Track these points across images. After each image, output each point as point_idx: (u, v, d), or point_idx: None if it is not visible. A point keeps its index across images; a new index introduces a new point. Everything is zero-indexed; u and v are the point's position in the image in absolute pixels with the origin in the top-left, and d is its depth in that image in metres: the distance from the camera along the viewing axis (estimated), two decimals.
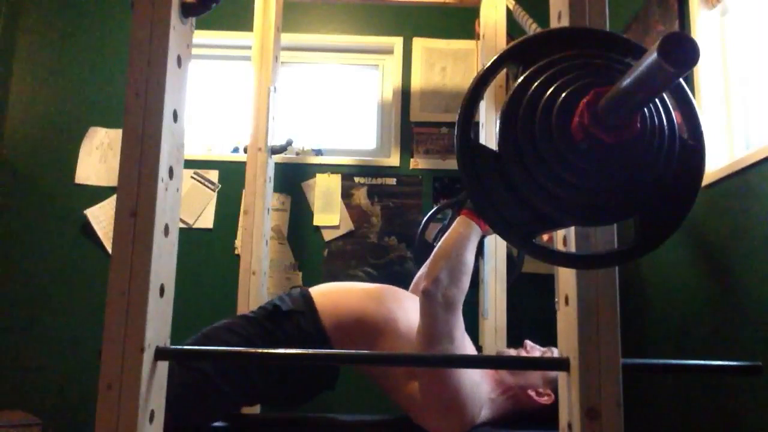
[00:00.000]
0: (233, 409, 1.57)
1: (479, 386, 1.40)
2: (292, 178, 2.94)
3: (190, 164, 2.87)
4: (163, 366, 0.89)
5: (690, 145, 0.73)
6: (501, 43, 2.30)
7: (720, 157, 1.93)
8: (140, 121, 0.88)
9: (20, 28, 3.00)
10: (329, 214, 2.91)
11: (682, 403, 2.01)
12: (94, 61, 3.00)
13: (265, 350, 1.36)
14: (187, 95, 0.97)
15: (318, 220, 2.91)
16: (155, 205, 0.85)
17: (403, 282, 1.87)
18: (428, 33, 3.10)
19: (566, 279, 0.89)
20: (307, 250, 2.89)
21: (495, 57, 0.76)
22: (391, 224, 2.91)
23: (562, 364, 0.87)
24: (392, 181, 2.95)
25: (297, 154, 2.99)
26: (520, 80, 0.73)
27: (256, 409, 2.06)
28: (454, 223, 1.49)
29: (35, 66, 2.98)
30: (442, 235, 1.99)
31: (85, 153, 2.91)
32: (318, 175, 2.95)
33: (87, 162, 2.90)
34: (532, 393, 1.44)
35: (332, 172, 2.96)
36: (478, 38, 2.55)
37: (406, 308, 1.56)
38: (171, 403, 0.92)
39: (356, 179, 2.95)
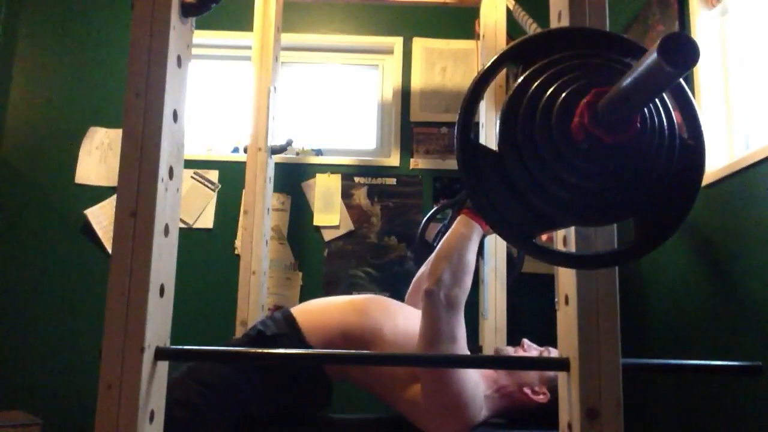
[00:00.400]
0: None
1: (479, 385, 1.40)
2: (292, 178, 2.94)
3: (190, 164, 2.87)
4: (163, 366, 0.89)
5: (690, 145, 0.73)
6: (501, 43, 2.30)
7: (720, 157, 1.93)
8: (140, 121, 0.88)
9: (20, 28, 3.00)
10: (329, 214, 2.91)
11: (682, 403, 2.01)
12: (94, 61, 3.00)
13: (265, 350, 1.36)
14: (187, 95, 0.97)
15: (318, 220, 2.91)
16: (155, 205, 0.85)
17: (403, 282, 1.87)
18: (428, 33, 3.10)
19: (566, 279, 0.89)
20: (307, 250, 2.89)
21: (495, 57, 0.76)
22: (391, 224, 2.91)
23: (562, 364, 0.87)
24: (392, 181, 2.95)
25: (297, 154, 2.99)
26: (520, 80, 0.73)
27: None
28: (455, 223, 1.49)
29: (35, 66, 2.99)
30: (442, 235, 2.00)
31: (85, 153, 2.91)
32: (318, 175, 2.95)
33: (87, 162, 2.90)
34: (527, 391, 1.44)
35: (332, 172, 2.96)
36: (478, 38, 2.55)
37: (393, 317, 1.55)
38: None
39: (356, 179, 2.95)
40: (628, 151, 0.67)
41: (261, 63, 2.37)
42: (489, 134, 2.28)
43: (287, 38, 2.83)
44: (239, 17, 2.87)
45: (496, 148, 0.72)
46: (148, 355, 0.84)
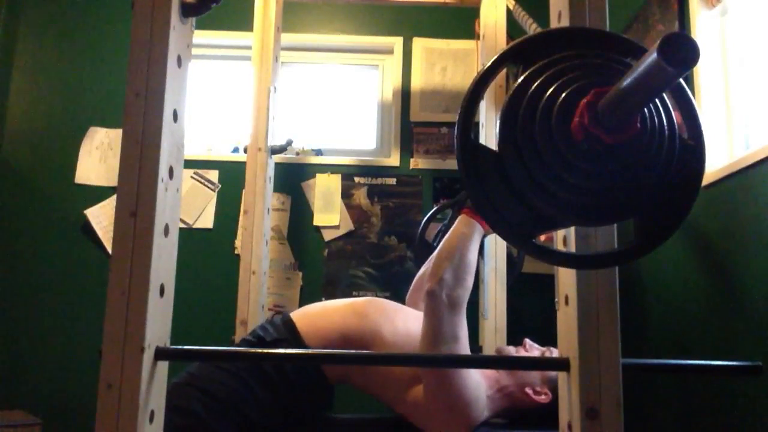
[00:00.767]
0: None
1: (481, 385, 1.40)
2: (292, 178, 2.94)
3: (190, 164, 2.87)
4: (163, 366, 0.89)
5: (690, 145, 0.73)
6: (501, 43, 2.30)
7: (720, 157, 1.93)
8: (140, 121, 0.88)
9: (20, 28, 3.00)
10: (329, 214, 2.91)
11: (682, 403, 2.01)
12: (94, 61, 3.00)
13: (265, 350, 1.36)
14: (187, 95, 0.97)
15: (318, 220, 2.91)
16: (155, 205, 0.85)
17: (403, 282, 1.87)
18: (428, 33, 3.10)
19: (566, 279, 0.89)
20: (307, 250, 2.89)
21: (495, 57, 0.76)
22: (391, 224, 2.91)
23: (562, 364, 0.87)
24: (392, 181, 2.95)
25: (297, 154, 2.99)
26: (520, 80, 0.73)
27: None
28: (456, 223, 1.49)
29: (35, 66, 2.99)
30: (442, 235, 2.00)
31: (85, 153, 2.91)
32: (318, 175, 2.95)
33: (87, 162, 2.91)
34: (529, 391, 1.44)
35: (332, 172, 2.96)
36: (478, 38, 2.55)
37: (392, 320, 1.55)
38: None
39: (356, 179, 2.95)
40: (628, 151, 0.67)
41: (261, 63, 2.37)
42: (489, 134, 2.27)
43: (287, 38, 2.83)
44: (239, 17, 2.87)
45: (496, 148, 0.72)
46: (148, 355, 0.84)
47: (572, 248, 0.87)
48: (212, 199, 2.91)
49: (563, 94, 0.69)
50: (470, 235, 1.45)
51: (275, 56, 2.41)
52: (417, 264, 2.33)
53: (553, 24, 0.93)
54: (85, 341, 2.67)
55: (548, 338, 1.27)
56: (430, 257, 1.87)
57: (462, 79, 3.06)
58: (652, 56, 0.54)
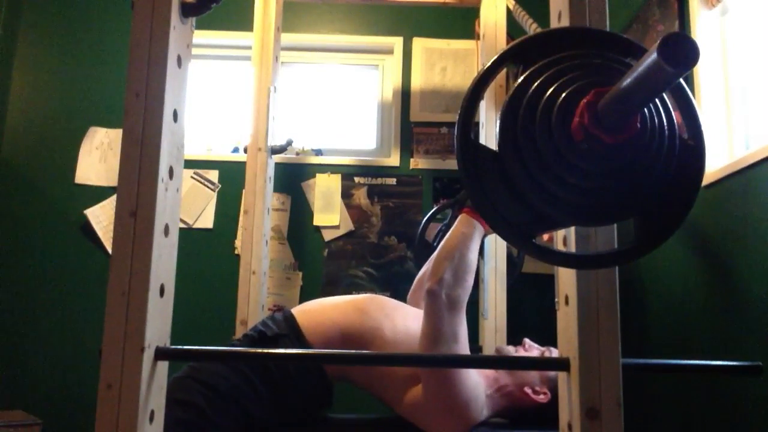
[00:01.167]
0: None
1: (480, 385, 1.40)
2: (292, 178, 2.94)
3: (190, 164, 2.87)
4: (163, 366, 0.89)
5: (690, 145, 0.73)
6: (501, 43, 2.30)
7: (720, 157, 1.93)
8: (140, 121, 0.88)
9: (20, 27, 3.00)
10: (329, 214, 2.91)
11: (682, 403, 2.01)
12: (94, 61, 3.00)
13: (266, 350, 1.36)
14: (187, 95, 0.97)
15: (318, 220, 2.91)
16: (155, 205, 0.85)
17: (403, 282, 1.87)
18: (428, 33, 3.10)
19: (566, 279, 0.89)
20: (307, 250, 2.89)
21: (495, 57, 0.76)
22: (391, 224, 2.91)
23: (562, 364, 0.87)
24: (392, 181, 2.95)
25: (297, 154, 2.99)
26: (520, 80, 0.73)
27: None
28: (456, 222, 1.49)
29: (35, 66, 2.99)
30: (442, 235, 2.00)
31: (85, 153, 2.91)
32: (318, 175, 2.95)
33: (87, 162, 2.91)
34: (528, 390, 1.44)
35: (332, 172, 2.96)
36: (478, 38, 2.55)
37: (392, 317, 1.55)
38: None
39: (356, 179, 2.95)
40: (628, 151, 0.67)
41: (261, 63, 2.37)
42: (489, 134, 2.28)
43: (287, 38, 2.83)
44: (239, 17, 2.87)
45: (496, 148, 0.72)
46: (148, 355, 0.84)
47: (572, 248, 0.87)
48: (212, 199, 2.91)
49: (563, 94, 0.69)
50: (470, 235, 1.45)
51: (275, 56, 2.42)
52: (417, 264, 2.33)
53: (553, 24, 0.94)
54: (85, 341, 2.67)
55: (548, 338, 1.27)
56: (432, 257, 1.87)
57: (462, 79, 3.06)
58: (652, 56, 0.54)
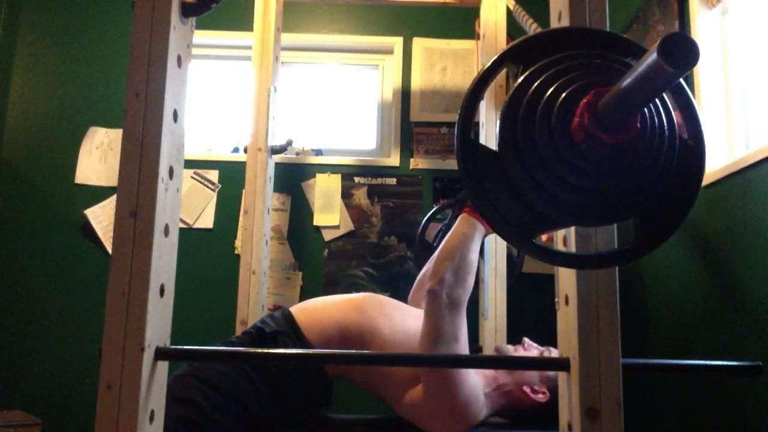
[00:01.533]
0: None
1: (479, 384, 1.40)
2: (292, 178, 2.94)
3: (190, 164, 2.87)
4: (163, 366, 0.89)
5: (690, 145, 0.73)
6: (501, 43, 2.30)
7: (720, 157, 1.93)
8: (140, 121, 0.88)
9: (20, 28, 3.00)
10: (329, 214, 2.91)
11: (682, 403, 2.01)
12: (94, 61, 3.00)
13: (265, 350, 1.36)
14: (187, 95, 0.97)
15: (318, 220, 2.91)
16: (155, 205, 0.85)
17: (403, 282, 1.87)
18: (428, 33, 3.10)
19: (566, 279, 0.89)
20: (307, 250, 2.89)
21: (495, 57, 0.76)
22: (391, 224, 2.91)
23: (562, 364, 0.87)
24: (392, 181, 2.95)
25: (297, 154, 2.99)
26: (520, 80, 0.73)
27: None
28: (457, 223, 1.49)
29: (35, 66, 2.99)
30: (442, 235, 2.00)
31: (85, 153, 2.91)
32: (318, 175, 2.95)
33: (87, 162, 2.91)
34: (527, 390, 1.44)
35: (332, 172, 2.96)
36: (478, 38, 2.55)
37: (390, 316, 1.54)
38: None
39: (356, 179, 2.95)
40: (628, 151, 0.67)
41: (261, 63, 2.37)
42: (489, 134, 2.27)
43: (287, 38, 2.83)
44: (239, 17, 2.87)
45: (496, 148, 0.72)
46: (148, 355, 0.84)
47: (572, 248, 0.87)
48: (212, 199, 2.91)
49: (563, 94, 0.69)
50: (471, 235, 1.45)
51: (275, 56, 2.42)
52: (417, 264, 2.33)
53: (553, 24, 0.93)
54: (85, 341, 2.67)
55: (548, 338, 1.27)
56: (432, 256, 1.87)
57: (462, 79, 3.06)
58: (652, 56, 0.54)
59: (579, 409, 0.82)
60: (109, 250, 1.09)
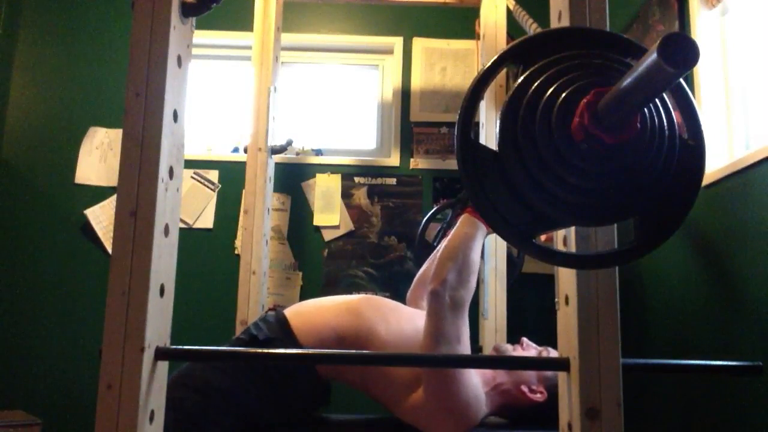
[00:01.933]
0: None
1: (479, 384, 1.40)
2: (292, 178, 2.94)
3: (190, 164, 2.87)
4: (163, 366, 0.89)
5: (690, 145, 0.73)
6: (501, 43, 2.30)
7: (720, 157, 1.93)
8: (140, 121, 0.88)
9: (20, 28, 3.00)
10: (329, 214, 2.91)
11: (682, 403, 2.01)
12: (94, 61, 3.00)
13: (264, 350, 1.36)
14: (187, 95, 0.97)
15: (318, 220, 2.91)
16: (155, 205, 0.85)
17: (404, 282, 1.87)
18: (428, 33, 3.10)
19: (566, 279, 0.89)
20: (307, 250, 2.89)
21: (495, 57, 0.76)
22: (391, 224, 2.91)
23: (562, 364, 0.87)
24: (392, 181, 2.95)
25: (297, 154, 2.99)
26: (520, 80, 0.73)
27: None
28: (459, 223, 1.48)
29: (35, 66, 2.99)
30: (442, 235, 2.00)
31: (85, 153, 2.91)
32: (318, 175, 2.95)
33: (87, 162, 2.91)
34: (525, 389, 1.44)
35: (332, 172, 2.96)
36: (478, 38, 2.55)
37: (387, 318, 1.53)
38: None
39: (356, 179, 2.95)
40: (628, 151, 0.67)
41: (261, 63, 2.37)
42: (489, 134, 2.28)
43: (287, 38, 2.83)
44: (239, 17, 2.87)
45: (496, 148, 0.72)
46: (148, 355, 0.84)
47: (572, 248, 0.87)
48: (212, 199, 2.91)
49: (563, 94, 0.69)
50: (473, 235, 1.44)
51: (275, 56, 2.42)
52: (417, 264, 2.33)
53: (553, 24, 0.94)
54: (85, 341, 2.67)
55: (548, 338, 1.27)
56: (432, 255, 1.87)
57: (462, 79, 3.05)
58: (652, 56, 0.54)
59: (579, 409, 0.82)
60: (109, 250, 1.09)
